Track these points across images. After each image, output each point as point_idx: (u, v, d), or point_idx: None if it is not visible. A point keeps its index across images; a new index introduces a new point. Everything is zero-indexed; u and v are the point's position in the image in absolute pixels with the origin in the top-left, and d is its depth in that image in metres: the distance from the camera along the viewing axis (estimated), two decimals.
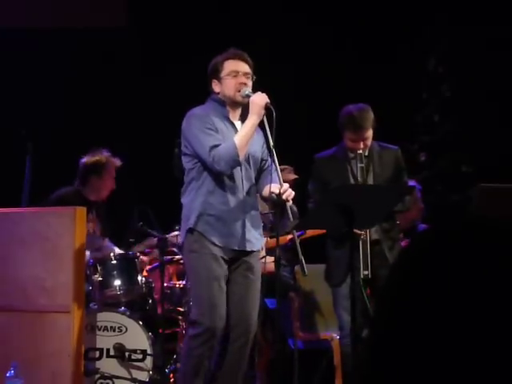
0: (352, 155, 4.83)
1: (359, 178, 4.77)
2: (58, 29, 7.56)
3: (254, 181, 4.42)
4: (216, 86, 4.38)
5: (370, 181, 4.81)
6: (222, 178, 4.29)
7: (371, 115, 4.80)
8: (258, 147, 4.41)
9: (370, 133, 4.80)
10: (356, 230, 4.58)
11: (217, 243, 4.26)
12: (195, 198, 4.31)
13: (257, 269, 4.41)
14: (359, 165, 4.77)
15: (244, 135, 4.21)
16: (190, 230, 4.30)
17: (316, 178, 4.88)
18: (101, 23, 7.65)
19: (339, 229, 4.35)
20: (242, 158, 4.22)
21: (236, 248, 4.31)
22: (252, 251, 4.37)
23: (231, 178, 4.31)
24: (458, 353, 0.94)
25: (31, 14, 7.59)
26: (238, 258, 4.35)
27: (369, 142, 4.82)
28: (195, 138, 4.28)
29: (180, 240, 4.51)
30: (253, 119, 4.21)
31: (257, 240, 4.40)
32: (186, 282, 5.43)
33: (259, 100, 4.20)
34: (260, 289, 4.45)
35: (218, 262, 4.27)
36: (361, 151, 4.77)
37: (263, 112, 4.20)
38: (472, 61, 7.26)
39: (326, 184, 4.76)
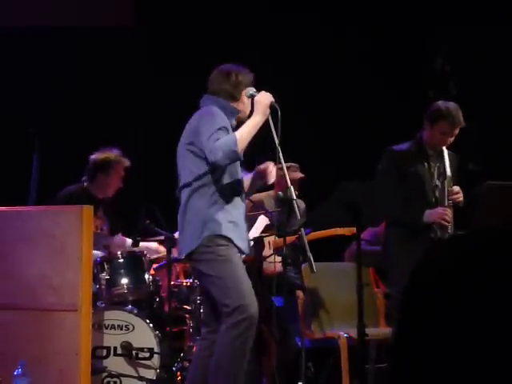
0: (431, 152, 4.78)
1: (436, 175, 4.72)
2: (65, 28, 7.56)
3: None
4: (241, 101, 4.33)
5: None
6: (233, 184, 4.22)
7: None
8: None
9: (457, 131, 4.76)
10: (443, 222, 4.55)
11: (242, 249, 4.22)
12: (211, 204, 4.18)
13: None
14: (447, 162, 4.72)
15: (246, 131, 4.10)
16: (219, 237, 4.14)
17: (390, 170, 4.75)
18: (107, 23, 7.66)
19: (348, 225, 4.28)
20: (240, 152, 4.06)
21: (247, 252, 4.29)
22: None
23: (239, 183, 4.26)
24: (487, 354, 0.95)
25: (37, 13, 7.60)
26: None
27: (452, 140, 4.76)
28: (207, 130, 4.10)
29: (190, 247, 4.21)
30: (258, 117, 4.14)
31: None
32: (193, 281, 5.43)
33: (264, 99, 4.17)
34: (267, 288, 4.42)
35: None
36: (444, 148, 4.73)
37: (268, 111, 4.16)
38: (478, 59, 7.25)
39: (403, 177, 4.69)
